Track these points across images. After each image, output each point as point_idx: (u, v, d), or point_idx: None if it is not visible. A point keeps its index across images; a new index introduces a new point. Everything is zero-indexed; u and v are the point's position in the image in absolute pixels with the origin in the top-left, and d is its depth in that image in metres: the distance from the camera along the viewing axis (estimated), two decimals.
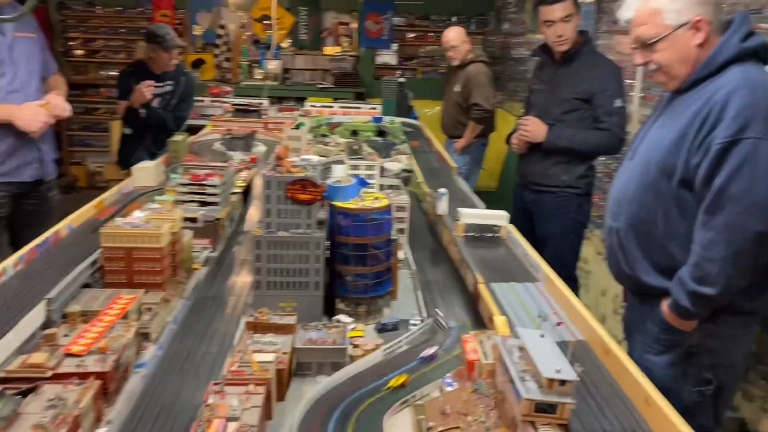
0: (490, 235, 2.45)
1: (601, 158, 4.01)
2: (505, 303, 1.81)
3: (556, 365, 1.18)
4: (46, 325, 1.60)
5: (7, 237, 3.09)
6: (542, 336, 1.30)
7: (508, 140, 3.53)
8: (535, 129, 3.29)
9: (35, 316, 1.58)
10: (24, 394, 1.28)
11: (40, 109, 2.82)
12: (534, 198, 3.42)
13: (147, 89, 4.25)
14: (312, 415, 1.36)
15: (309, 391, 1.46)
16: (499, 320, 1.57)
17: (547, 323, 1.46)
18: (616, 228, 2.03)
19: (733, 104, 1.70)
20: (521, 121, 3.38)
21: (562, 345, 1.28)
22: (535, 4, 3.36)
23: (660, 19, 1.86)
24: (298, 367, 1.58)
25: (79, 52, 7.88)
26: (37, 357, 1.40)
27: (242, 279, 2.19)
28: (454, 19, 7.86)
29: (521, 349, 1.29)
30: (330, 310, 1.92)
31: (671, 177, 1.85)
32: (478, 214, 2.48)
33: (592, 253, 4.23)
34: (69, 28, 7.80)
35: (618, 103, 3.11)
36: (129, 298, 1.71)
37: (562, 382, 1.16)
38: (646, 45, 1.91)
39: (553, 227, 3.38)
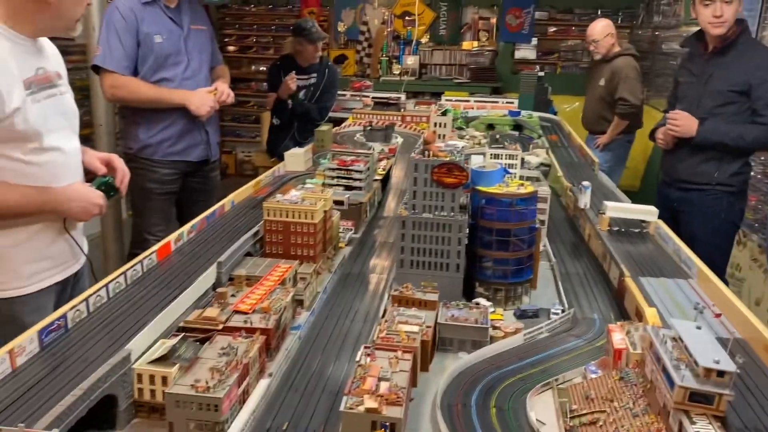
0: (636, 230, 2.36)
1: (762, 157, 3.72)
2: (655, 297, 1.75)
3: (713, 356, 1.14)
4: (216, 284, 1.78)
5: (175, 211, 3.43)
6: (698, 328, 1.26)
7: (652, 135, 3.37)
8: (686, 123, 3.12)
9: (208, 277, 1.76)
10: (201, 341, 1.44)
11: (209, 95, 3.11)
12: (681, 196, 3.24)
13: (292, 81, 4.54)
14: (455, 386, 1.40)
15: (451, 365, 1.51)
16: (649, 311, 1.53)
17: (704, 316, 1.41)
18: None
19: None
20: (670, 115, 3.21)
21: (720, 341, 1.23)
22: None
23: None
24: (440, 342, 1.64)
25: (232, 48, 8.49)
26: (211, 311, 1.57)
27: (383, 261, 2.29)
28: (599, 12, 7.56)
29: (675, 339, 1.26)
30: (468, 293, 1.96)
31: None
32: (625, 208, 2.40)
33: (746, 259, 3.93)
34: (225, 25, 8.42)
35: None
36: (286, 267, 1.86)
37: (721, 373, 1.12)
38: None
39: (702, 227, 3.18)
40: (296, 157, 3.28)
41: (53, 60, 2.01)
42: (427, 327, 1.57)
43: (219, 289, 1.68)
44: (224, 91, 3.19)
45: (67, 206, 1.92)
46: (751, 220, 3.77)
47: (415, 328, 1.53)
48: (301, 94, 4.77)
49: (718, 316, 1.53)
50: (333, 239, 2.25)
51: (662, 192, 3.40)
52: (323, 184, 2.61)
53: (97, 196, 1.99)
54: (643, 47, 7.01)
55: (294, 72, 4.62)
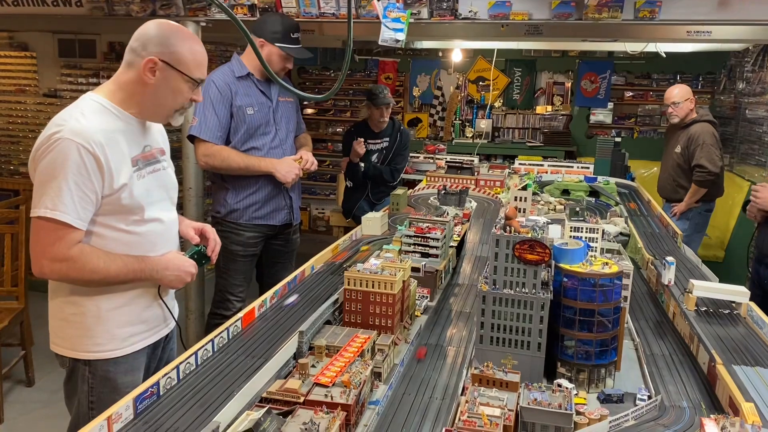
0: (726, 311, 2.25)
1: None
2: (751, 389, 1.65)
3: None
4: (297, 354, 1.81)
5: (255, 272, 3.54)
6: None
7: (744, 207, 3.23)
8: (767, 196, 2.99)
9: (290, 346, 1.79)
10: (283, 414, 1.46)
11: (294, 163, 3.24)
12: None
13: (359, 146, 4.70)
14: None
15: None
16: (746, 407, 1.44)
17: None
18: None
19: None
20: (754, 187, 3.09)
21: None
22: None
23: None
24: (521, 427, 1.59)
25: (310, 110, 8.82)
26: (293, 383, 1.58)
27: (459, 331, 2.26)
28: (678, 78, 7.43)
29: None
30: (549, 373, 1.90)
31: None
32: (713, 288, 2.29)
33: None
34: (305, 89, 8.76)
35: None
36: (365, 338, 1.86)
37: None
38: None
39: None
40: (373, 222, 3.33)
41: (158, 136, 2.16)
42: (509, 410, 1.52)
43: (300, 360, 1.70)
44: (309, 159, 3.31)
45: (163, 274, 2.02)
46: None
47: (497, 412, 1.49)
48: (374, 157, 4.90)
49: None
50: (410, 308, 2.25)
51: (754, 269, 3.23)
52: (400, 251, 2.64)
53: (190, 265, 2.08)
54: (725, 113, 6.81)
55: (362, 138, 4.78)
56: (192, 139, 3.26)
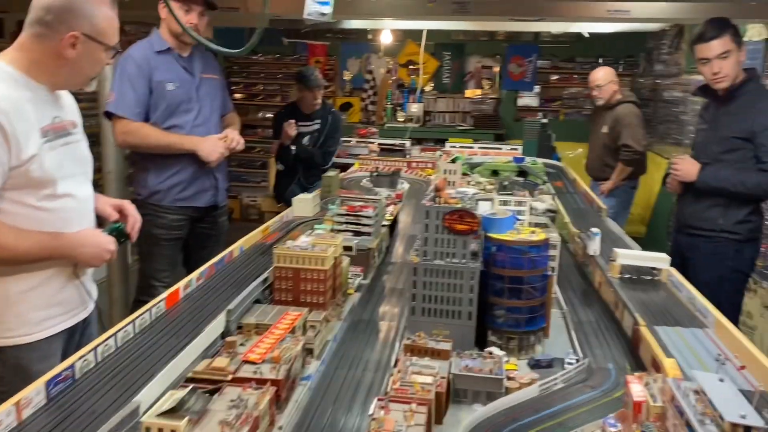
0: (648, 277, 2.34)
1: None
2: (672, 347, 1.72)
3: (739, 410, 1.10)
4: (225, 333, 1.75)
5: (182, 257, 3.42)
6: (721, 380, 1.22)
7: (664, 181, 3.38)
8: (686, 168, 3.14)
9: (217, 325, 1.74)
10: (210, 393, 1.41)
11: (219, 142, 3.14)
12: (688, 242, 3.22)
13: (290, 127, 4.63)
14: None
15: (465, 417, 1.46)
16: (668, 362, 1.50)
17: (725, 368, 1.37)
18: None
19: None
20: (673, 160, 3.24)
21: (744, 394, 1.19)
22: (691, 42, 3.23)
23: None
24: (454, 394, 1.60)
25: (239, 95, 8.62)
26: (220, 361, 1.53)
27: (392, 307, 2.26)
28: (600, 60, 7.69)
29: (697, 392, 1.22)
30: (480, 342, 1.92)
31: None
32: (636, 256, 2.38)
33: (758, 306, 3.88)
34: (233, 73, 8.56)
35: None
36: (296, 315, 1.83)
37: (748, 429, 1.08)
38: None
39: (708, 275, 3.11)
40: (304, 203, 3.28)
41: (69, 109, 2.04)
42: (441, 378, 1.53)
43: (228, 338, 1.65)
44: (234, 138, 3.21)
45: (79, 251, 1.91)
46: (762, 267, 3.73)
47: (429, 379, 1.49)
48: (306, 139, 4.85)
49: (742, 368, 1.49)
50: (342, 286, 2.23)
51: (674, 238, 3.39)
52: (332, 230, 2.61)
53: (108, 242, 1.98)
54: (644, 95, 7.09)
55: (293, 119, 4.70)
56: (109, 116, 3.11)
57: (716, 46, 2.98)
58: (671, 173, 3.21)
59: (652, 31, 6.79)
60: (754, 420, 1.08)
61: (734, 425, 1.08)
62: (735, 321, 3.19)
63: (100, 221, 2.10)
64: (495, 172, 4.70)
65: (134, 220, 2.12)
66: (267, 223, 2.86)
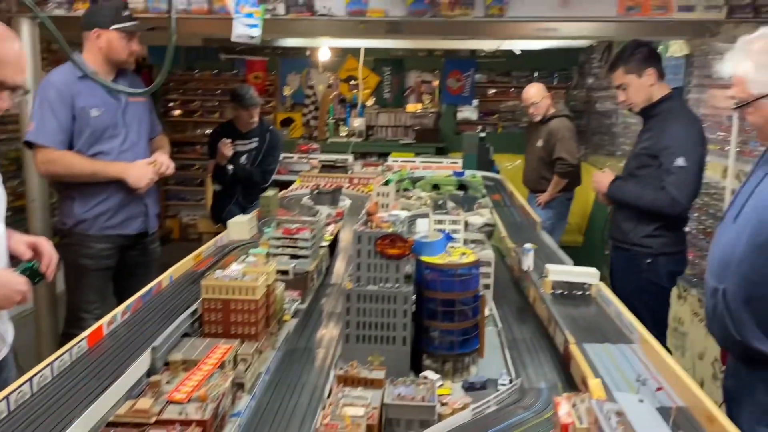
0: (579, 293, 2.39)
1: (695, 213, 3.86)
2: (599, 365, 1.75)
3: (657, 431, 1.13)
4: (150, 371, 1.69)
5: (112, 286, 3.30)
6: (641, 401, 1.26)
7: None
8: (600, 180, 3.31)
9: (141, 363, 1.67)
10: None
11: (148, 167, 3.05)
12: (612, 253, 3.37)
13: (225, 147, 4.56)
14: None
15: None
16: (593, 383, 1.52)
17: (646, 388, 1.41)
18: (722, 289, 1.93)
19: None
20: (594, 173, 3.40)
21: (663, 411, 1.22)
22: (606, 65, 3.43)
23: (745, 86, 1.88)
24: (386, 423, 1.59)
25: (177, 112, 8.45)
26: (143, 403, 1.47)
27: (330, 332, 2.24)
28: (535, 74, 7.89)
29: (619, 414, 1.25)
30: (416, 366, 1.92)
31: None
32: (566, 271, 2.43)
33: (687, 313, 4.02)
34: (170, 90, 8.39)
35: (679, 162, 2.98)
36: (225, 348, 1.78)
37: None
38: (737, 107, 1.93)
39: (624, 286, 3.23)
40: (240, 225, 3.22)
41: None
42: (373, 408, 1.52)
43: (152, 378, 1.59)
44: (164, 162, 3.12)
45: None
46: (690, 275, 3.88)
47: (361, 411, 1.47)
48: (243, 158, 4.78)
49: (659, 389, 1.54)
50: (277, 313, 2.19)
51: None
52: (267, 254, 2.56)
53: (19, 282, 1.87)
54: (578, 107, 7.32)
55: (229, 139, 4.63)
56: (30, 145, 2.98)
57: (614, 78, 3.21)
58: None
59: (582, 47, 7.02)
60: None
61: None
62: (662, 334, 3.29)
63: (14, 260, 2.00)
64: (436, 187, 4.76)
65: (49, 258, 2.02)
66: (199, 249, 2.79)
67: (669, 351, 3.42)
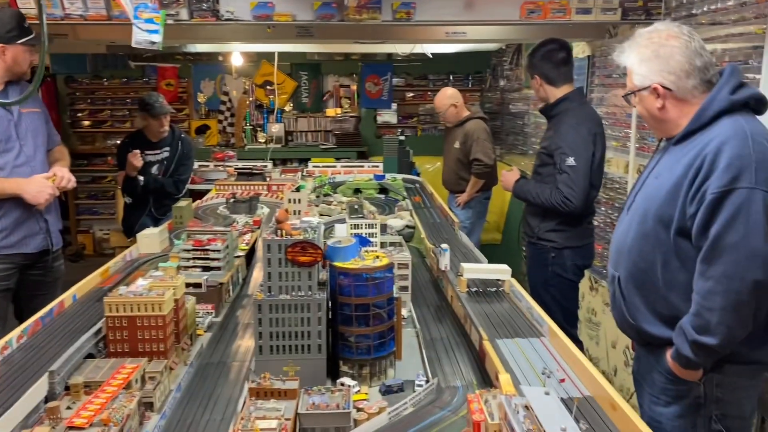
0: (493, 289, 2.44)
1: (602, 207, 4.04)
2: (511, 360, 1.79)
3: (561, 423, 1.16)
4: (49, 397, 1.59)
5: (13, 308, 3.10)
6: (547, 393, 1.29)
7: None
8: (505, 179, 3.47)
9: (38, 389, 1.57)
10: None
11: (46, 182, 2.88)
12: (525, 248, 3.49)
13: (134, 158, 4.39)
14: None
15: None
16: (503, 378, 1.56)
17: (551, 380, 1.45)
18: (617, 276, 2.03)
19: (725, 155, 1.73)
20: (501, 173, 3.55)
21: (568, 402, 1.26)
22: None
23: (632, 76, 1.99)
24: None
25: (86, 122, 8.08)
26: (40, 431, 1.39)
27: (246, 343, 2.18)
28: (450, 77, 8.05)
29: (526, 407, 1.27)
30: (334, 373, 1.90)
31: (668, 226, 1.86)
32: (480, 269, 2.48)
33: (599, 304, 4.20)
34: (77, 100, 8.02)
35: (570, 161, 3.11)
36: (132, 368, 1.70)
37: None
38: (625, 95, 2.05)
39: (533, 278, 3.42)
40: (150, 238, 3.11)
41: None
42: (287, 420, 1.49)
43: (50, 404, 1.50)
44: (64, 176, 2.96)
45: None
46: (600, 266, 4.05)
47: (273, 423, 1.44)
48: (154, 169, 4.61)
49: (562, 381, 1.59)
50: (188, 328, 2.12)
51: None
52: (178, 267, 2.48)
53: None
54: (493, 109, 7.52)
55: (139, 149, 4.46)
56: None
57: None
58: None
59: (493, 50, 7.22)
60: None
61: None
62: (573, 326, 3.42)
63: None
64: (357, 191, 4.76)
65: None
66: (106, 265, 2.67)
67: (580, 342, 3.57)
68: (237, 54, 7.08)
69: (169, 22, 2.86)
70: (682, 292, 1.84)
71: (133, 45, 2.37)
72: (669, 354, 1.89)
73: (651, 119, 2.00)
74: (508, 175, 3.47)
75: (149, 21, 2.33)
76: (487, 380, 1.82)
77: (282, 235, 1.87)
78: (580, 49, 4.36)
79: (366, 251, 2.02)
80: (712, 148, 1.75)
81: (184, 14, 2.99)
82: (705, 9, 2.96)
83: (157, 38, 2.36)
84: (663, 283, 1.88)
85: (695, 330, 1.77)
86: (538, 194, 3.25)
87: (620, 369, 3.91)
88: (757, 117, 1.87)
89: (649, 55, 1.91)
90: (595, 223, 3.48)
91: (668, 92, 1.90)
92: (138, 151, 4.44)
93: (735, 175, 1.70)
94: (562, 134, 3.18)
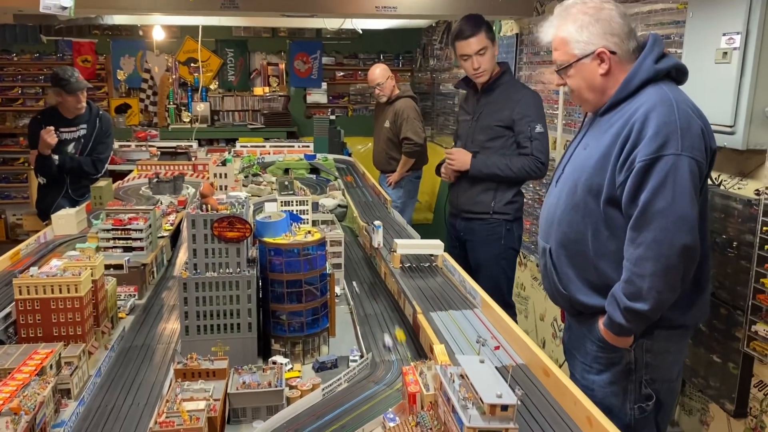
0: (426, 264, 2.44)
1: (531, 184, 4.11)
2: (445, 331, 1.79)
3: (496, 390, 1.16)
4: None
5: None
6: (482, 362, 1.28)
7: (437, 171, 3.56)
8: (460, 158, 3.35)
9: None
10: None
11: None
12: (465, 226, 3.45)
13: (48, 135, 4.13)
14: None
15: None
16: (438, 349, 1.55)
17: (486, 348, 1.45)
18: (548, 248, 2.05)
19: (652, 123, 1.76)
20: (447, 152, 3.44)
21: (502, 370, 1.26)
22: (451, 40, 3.45)
23: (568, 47, 1.95)
24: (232, 414, 1.50)
25: None
26: None
27: (171, 326, 2.09)
28: (381, 57, 8.00)
29: (462, 376, 1.26)
30: (266, 352, 1.85)
31: (598, 196, 1.89)
32: (413, 245, 2.47)
33: (528, 278, 4.30)
34: None
35: (538, 128, 3.18)
36: (46, 353, 1.59)
37: (504, 407, 1.14)
38: (560, 69, 2.00)
39: (485, 254, 3.40)
40: (66, 219, 2.94)
41: None
42: (215, 400, 1.42)
43: None
44: None
45: None
46: (528, 242, 4.14)
47: (201, 404, 1.38)
48: (71, 147, 4.35)
49: (496, 348, 1.60)
50: (109, 310, 2.01)
51: (450, 223, 3.59)
52: (97, 248, 2.35)
53: None
54: (423, 89, 7.53)
55: (53, 126, 4.19)
56: None
57: (474, 43, 3.21)
58: (447, 164, 3.40)
59: (423, 28, 7.21)
60: (508, 399, 1.14)
61: (492, 406, 1.13)
62: (510, 293, 3.48)
63: None
64: (287, 171, 4.66)
65: None
66: (18, 247, 2.50)
67: (515, 311, 3.63)
68: (158, 28, 6.78)
69: None
70: (613, 261, 1.88)
71: (41, 9, 2.20)
72: (601, 322, 1.93)
73: (588, 90, 1.96)
74: (460, 154, 3.36)
75: None
76: (422, 353, 1.82)
77: (207, 210, 1.79)
78: (508, 27, 4.41)
79: (297, 227, 1.96)
80: (639, 116, 1.79)
81: None
82: None
83: (68, 2, 2.19)
84: (593, 253, 1.92)
85: (627, 297, 1.81)
86: (508, 165, 3.22)
87: (549, 341, 4.03)
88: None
89: (589, 21, 1.90)
90: (524, 199, 3.53)
91: (613, 56, 1.90)
92: (52, 127, 4.17)
93: (662, 142, 1.74)
94: (525, 103, 3.21)
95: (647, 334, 1.91)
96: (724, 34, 2.23)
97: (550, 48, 2.04)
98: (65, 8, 2.21)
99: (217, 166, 2.47)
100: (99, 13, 4.61)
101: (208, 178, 4.32)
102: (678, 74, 1.90)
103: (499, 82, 3.29)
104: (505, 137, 3.25)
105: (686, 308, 1.92)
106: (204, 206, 1.79)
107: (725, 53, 2.23)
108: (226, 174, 2.43)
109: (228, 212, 1.76)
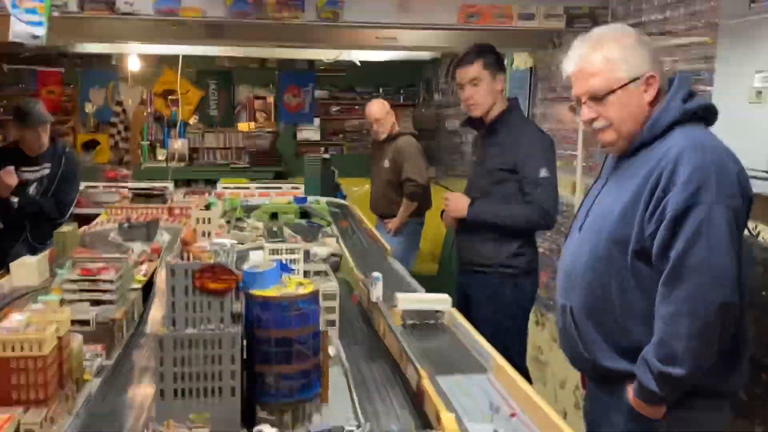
0: (432, 322, 2.46)
1: (547, 233, 4.15)
2: (453, 398, 1.80)
3: None
4: None
5: None
6: (495, 431, 1.30)
7: (442, 215, 3.58)
8: (456, 204, 3.35)
9: None
10: None
11: None
12: (469, 280, 3.43)
13: (7, 175, 4.19)
14: None
15: None
16: (446, 418, 1.56)
17: (500, 416, 1.47)
18: (569, 306, 2.05)
19: (683, 168, 1.79)
20: (443, 196, 3.47)
21: None
22: (452, 68, 3.52)
23: (612, 71, 1.93)
24: None
25: None
26: None
27: (143, 390, 2.10)
28: (380, 90, 8.17)
29: None
30: (250, 419, 1.85)
31: (625, 248, 1.90)
32: (416, 299, 2.50)
33: (546, 340, 4.30)
34: None
35: (543, 173, 3.15)
36: (3, 419, 1.60)
37: None
38: (595, 98, 1.97)
39: (490, 312, 3.31)
40: (26, 268, 2.98)
41: None
42: None
43: None
44: None
45: None
46: (546, 298, 4.15)
47: None
48: (32, 188, 4.41)
49: (513, 415, 1.61)
50: (74, 371, 2.02)
51: (457, 277, 3.59)
52: (61, 301, 2.37)
53: None
54: (427, 126, 7.66)
55: (12, 165, 4.26)
56: None
57: (468, 71, 3.25)
58: (444, 209, 3.44)
59: (427, 60, 7.39)
60: None
61: None
62: (523, 358, 3.46)
63: None
64: (275, 215, 4.71)
65: None
66: None
67: (530, 377, 3.61)
68: (134, 57, 6.94)
69: (55, 14, 2.77)
70: (642, 320, 1.88)
71: (11, 38, 2.28)
72: (630, 389, 1.92)
73: (632, 121, 1.94)
74: (456, 199, 3.36)
75: (31, 11, 2.25)
76: (427, 423, 1.82)
77: (189, 259, 1.82)
78: (521, 60, 4.53)
79: (288, 278, 1.99)
80: (668, 161, 1.82)
81: (73, 5, 2.90)
82: (654, 17, 3.15)
83: (40, 31, 2.28)
84: (620, 312, 1.92)
85: (660, 360, 1.80)
86: (510, 213, 3.20)
87: (570, 412, 4.00)
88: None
89: (634, 42, 1.92)
90: (541, 250, 3.56)
91: (658, 83, 1.92)
92: (12, 167, 4.24)
93: (695, 189, 1.76)
94: (529, 145, 3.20)
95: (681, 404, 1.91)
96: (758, 72, 2.31)
97: (570, 81, 2.07)
98: (37, 37, 2.30)
99: (200, 210, 2.52)
100: (74, 41, 4.75)
101: (187, 223, 4.37)
102: (707, 114, 1.96)
103: (505, 121, 3.30)
104: (510, 182, 3.23)
105: (726, 373, 1.93)
106: (185, 254, 1.83)
107: (759, 92, 2.30)
108: (209, 219, 2.48)
109: (212, 261, 1.80)
